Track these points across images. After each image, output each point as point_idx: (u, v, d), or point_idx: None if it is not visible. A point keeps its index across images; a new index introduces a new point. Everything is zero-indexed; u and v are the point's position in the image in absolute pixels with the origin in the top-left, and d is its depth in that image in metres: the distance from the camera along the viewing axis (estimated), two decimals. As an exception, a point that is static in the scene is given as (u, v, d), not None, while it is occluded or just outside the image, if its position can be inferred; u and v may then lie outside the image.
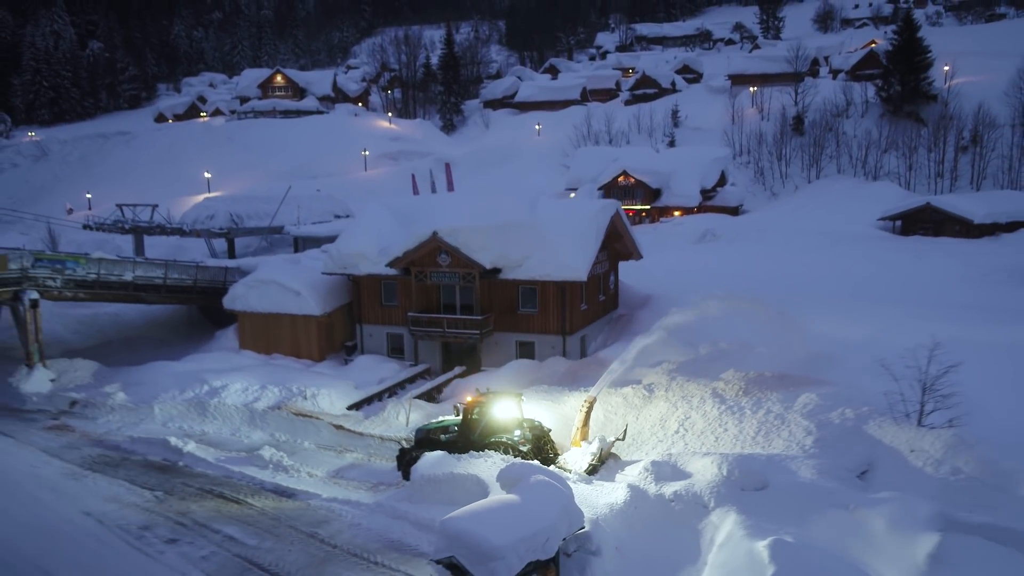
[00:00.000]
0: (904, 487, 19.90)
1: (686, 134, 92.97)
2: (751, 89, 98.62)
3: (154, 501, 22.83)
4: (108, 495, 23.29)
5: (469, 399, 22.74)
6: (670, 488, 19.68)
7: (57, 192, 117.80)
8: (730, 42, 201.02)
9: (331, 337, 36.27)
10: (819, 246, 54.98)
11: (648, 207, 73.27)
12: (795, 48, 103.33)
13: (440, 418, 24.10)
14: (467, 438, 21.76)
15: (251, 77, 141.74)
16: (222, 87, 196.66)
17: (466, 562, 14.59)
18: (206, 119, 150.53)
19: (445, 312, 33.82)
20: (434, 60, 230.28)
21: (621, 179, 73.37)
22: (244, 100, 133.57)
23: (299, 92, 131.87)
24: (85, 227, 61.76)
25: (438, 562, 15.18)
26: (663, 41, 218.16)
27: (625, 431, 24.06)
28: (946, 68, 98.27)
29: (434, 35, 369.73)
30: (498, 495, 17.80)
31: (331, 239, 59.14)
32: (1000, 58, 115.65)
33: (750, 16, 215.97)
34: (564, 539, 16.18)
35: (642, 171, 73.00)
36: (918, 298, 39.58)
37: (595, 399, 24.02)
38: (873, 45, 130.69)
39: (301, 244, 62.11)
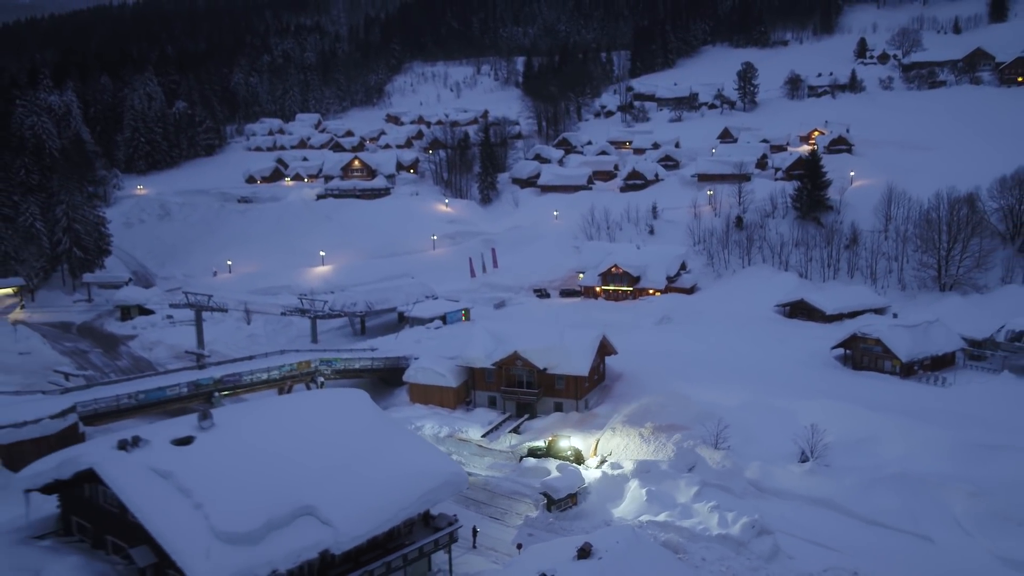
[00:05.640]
0: (703, 474, 52.99)
1: (662, 225, 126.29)
2: (708, 192, 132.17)
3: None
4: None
5: (551, 437, 56.30)
6: (616, 472, 52.83)
7: (192, 253, 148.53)
8: (712, 106, 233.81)
9: (459, 397, 69.37)
10: (729, 328, 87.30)
11: (631, 288, 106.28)
12: (739, 163, 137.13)
13: (536, 443, 57.54)
14: (548, 453, 55.25)
15: (334, 160, 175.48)
16: (292, 151, 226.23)
17: (549, 492, 48.17)
18: (290, 184, 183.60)
19: (518, 386, 66.91)
20: (459, 102, 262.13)
21: (613, 269, 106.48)
22: (328, 178, 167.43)
23: (371, 172, 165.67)
24: (282, 313, 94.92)
25: (541, 493, 48.79)
26: (656, 99, 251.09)
27: (611, 453, 57.30)
28: (852, 173, 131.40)
29: (457, 74, 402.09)
30: (556, 474, 51.30)
31: (431, 319, 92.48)
32: (904, 150, 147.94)
33: (739, 58, 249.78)
34: (578, 487, 49.68)
35: (627, 264, 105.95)
36: (765, 374, 71.78)
37: (599, 439, 57.57)
38: (815, 137, 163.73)
39: (409, 321, 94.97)
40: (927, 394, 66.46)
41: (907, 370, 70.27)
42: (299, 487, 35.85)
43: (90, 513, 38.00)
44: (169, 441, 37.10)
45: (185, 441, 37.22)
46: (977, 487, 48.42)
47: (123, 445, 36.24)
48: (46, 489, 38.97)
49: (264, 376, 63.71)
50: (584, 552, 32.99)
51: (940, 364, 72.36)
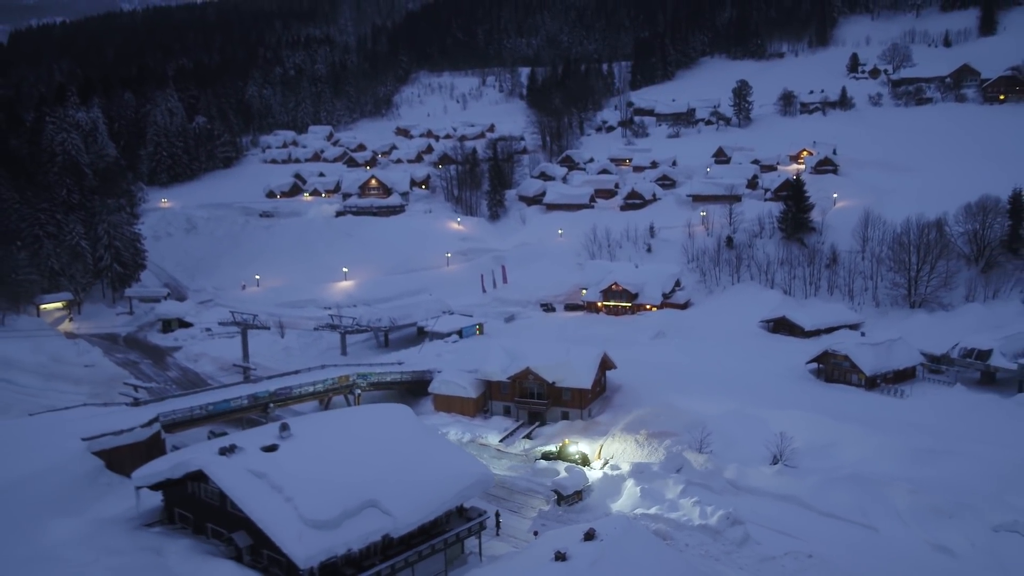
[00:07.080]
0: (688, 474, 62.10)
1: (658, 243, 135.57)
2: (701, 213, 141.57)
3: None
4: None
5: (561, 443, 65.54)
6: (615, 472, 62.00)
7: (219, 266, 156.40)
8: (709, 122, 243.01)
9: (477, 406, 78.50)
10: (718, 342, 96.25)
11: (630, 304, 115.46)
12: (731, 184, 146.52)
13: (550, 447, 66.73)
14: (559, 456, 64.47)
15: (351, 178, 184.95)
16: (307, 164, 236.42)
17: (559, 489, 57.48)
18: (309, 199, 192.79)
19: (530, 397, 76.09)
20: (465, 114, 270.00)
21: (613, 286, 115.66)
22: (347, 196, 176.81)
23: (387, 190, 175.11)
24: (315, 328, 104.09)
25: (552, 490, 58.10)
26: (655, 115, 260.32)
27: (612, 456, 66.43)
28: (835, 195, 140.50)
29: (463, 85, 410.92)
30: (564, 474, 60.60)
31: (449, 333, 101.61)
32: (887, 171, 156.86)
33: (737, 70, 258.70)
34: (583, 485, 58.96)
35: (626, 282, 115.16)
36: (747, 386, 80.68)
37: (603, 444, 66.78)
38: (804, 158, 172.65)
39: (429, 335, 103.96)
40: (887, 405, 75.40)
41: (871, 383, 79.28)
42: (364, 485, 45.00)
43: (192, 505, 47.20)
44: (259, 448, 46.28)
45: (271, 448, 46.39)
46: (917, 485, 57.38)
47: (223, 451, 45.35)
48: (154, 487, 48.19)
49: (311, 389, 73.02)
50: (589, 536, 42.14)
51: (901, 378, 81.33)
